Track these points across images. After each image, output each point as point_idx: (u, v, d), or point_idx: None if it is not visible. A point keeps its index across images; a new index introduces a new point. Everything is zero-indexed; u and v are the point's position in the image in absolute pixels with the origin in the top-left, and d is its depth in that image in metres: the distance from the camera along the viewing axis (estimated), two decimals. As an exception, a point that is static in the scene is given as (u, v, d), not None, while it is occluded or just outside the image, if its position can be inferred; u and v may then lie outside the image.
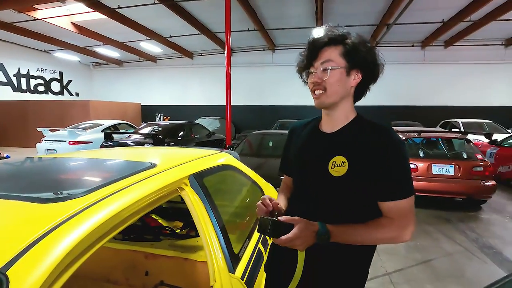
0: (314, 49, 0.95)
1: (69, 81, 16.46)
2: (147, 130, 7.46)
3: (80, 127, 8.58)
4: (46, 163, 1.47)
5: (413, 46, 12.36)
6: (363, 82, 0.97)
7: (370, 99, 1.24)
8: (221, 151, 1.93)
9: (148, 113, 15.03)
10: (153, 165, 1.25)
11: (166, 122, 9.21)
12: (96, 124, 8.80)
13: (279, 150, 5.67)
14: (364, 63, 0.94)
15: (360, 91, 1.00)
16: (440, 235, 3.80)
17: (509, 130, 8.72)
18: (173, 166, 1.28)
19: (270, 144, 6.26)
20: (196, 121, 10.56)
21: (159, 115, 15.12)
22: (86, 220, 0.74)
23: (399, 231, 0.89)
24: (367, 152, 0.89)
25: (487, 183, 4.48)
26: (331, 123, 1.00)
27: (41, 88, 15.15)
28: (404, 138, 5.12)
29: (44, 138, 7.75)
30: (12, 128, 11.94)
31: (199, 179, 1.31)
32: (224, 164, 1.68)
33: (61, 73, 16.03)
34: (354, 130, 0.96)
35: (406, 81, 12.62)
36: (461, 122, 9.15)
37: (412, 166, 4.72)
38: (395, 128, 5.76)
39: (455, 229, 4.02)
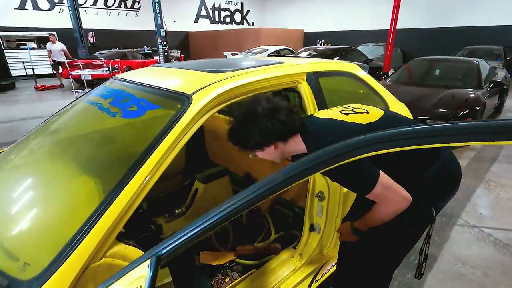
0: None
1: (248, 11, 18.64)
2: (304, 54, 7.90)
3: (252, 51, 10.09)
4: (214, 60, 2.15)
5: None
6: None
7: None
8: (351, 63, 2.05)
9: (310, 39, 15.25)
10: (280, 62, 1.63)
11: (324, 47, 9.24)
12: (264, 50, 10.07)
13: (447, 81, 4.82)
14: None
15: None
16: None
17: None
18: (295, 64, 1.62)
19: (436, 73, 5.29)
20: (358, 48, 9.96)
21: (320, 41, 15.05)
22: (232, 81, 1.25)
23: (389, 210, 0.98)
24: None
25: None
26: None
27: (227, 19, 18.11)
28: None
29: (227, 60, 9.76)
30: (206, 53, 15.41)
31: (315, 77, 1.60)
32: (344, 71, 1.85)
33: (242, 4, 18.30)
34: None
35: None
36: None
37: None
38: None
39: None
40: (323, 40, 14.97)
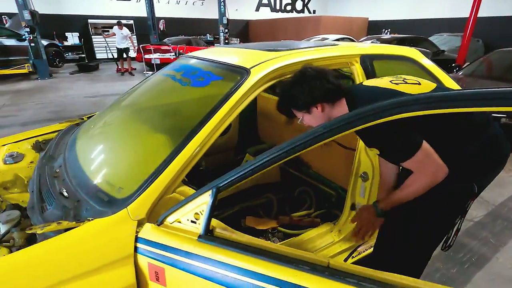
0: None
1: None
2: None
3: (310, 40, 9.92)
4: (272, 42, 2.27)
5: None
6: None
7: None
8: (412, 48, 1.99)
9: (375, 28, 14.30)
10: (335, 45, 1.69)
11: (388, 36, 8.65)
12: (323, 38, 9.82)
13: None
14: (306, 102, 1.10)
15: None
16: None
17: None
18: (350, 46, 1.66)
19: (523, 66, 4.61)
20: (429, 38, 9.09)
21: (386, 30, 14.02)
22: (287, 59, 1.37)
23: (427, 179, 0.99)
24: None
25: None
26: None
27: (288, 7, 17.92)
28: None
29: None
30: (264, 41, 15.53)
31: (369, 60, 1.62)
32: (403, 56, 1.81)
33: (303, -9, 17.91)
34: None
35: None
36: None
37: None
38: None
39: None
40: (389, 30, 13.92)
